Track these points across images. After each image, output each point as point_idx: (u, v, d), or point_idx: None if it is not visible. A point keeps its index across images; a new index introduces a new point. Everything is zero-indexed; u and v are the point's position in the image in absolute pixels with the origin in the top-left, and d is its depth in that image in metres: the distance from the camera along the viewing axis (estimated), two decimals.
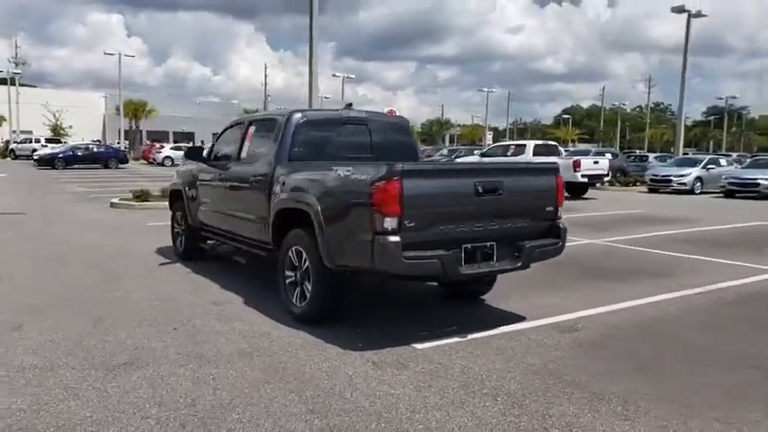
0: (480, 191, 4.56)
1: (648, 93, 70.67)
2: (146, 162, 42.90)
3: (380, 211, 4.19)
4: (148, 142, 54.76)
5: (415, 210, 4.26)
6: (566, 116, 77.73)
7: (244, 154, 6.33)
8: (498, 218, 4.74)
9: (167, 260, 7.74)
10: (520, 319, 5.32)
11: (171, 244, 8.41)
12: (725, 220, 13.31)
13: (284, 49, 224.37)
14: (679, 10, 25.72)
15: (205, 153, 7.32)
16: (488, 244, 4.69)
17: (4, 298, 5.80)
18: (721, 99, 71.55)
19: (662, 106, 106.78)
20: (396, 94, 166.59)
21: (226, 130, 7.22)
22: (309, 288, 4.98)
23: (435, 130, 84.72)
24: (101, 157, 35.16)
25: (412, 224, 4.25)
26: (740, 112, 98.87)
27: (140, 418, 3.33)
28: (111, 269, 7.21)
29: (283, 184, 5.34)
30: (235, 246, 6.62)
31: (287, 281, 5.29)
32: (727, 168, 23.37)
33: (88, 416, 3.34)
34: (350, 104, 6.32)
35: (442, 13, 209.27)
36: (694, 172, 22.13)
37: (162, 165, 38.53)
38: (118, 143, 46.60)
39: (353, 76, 60.31)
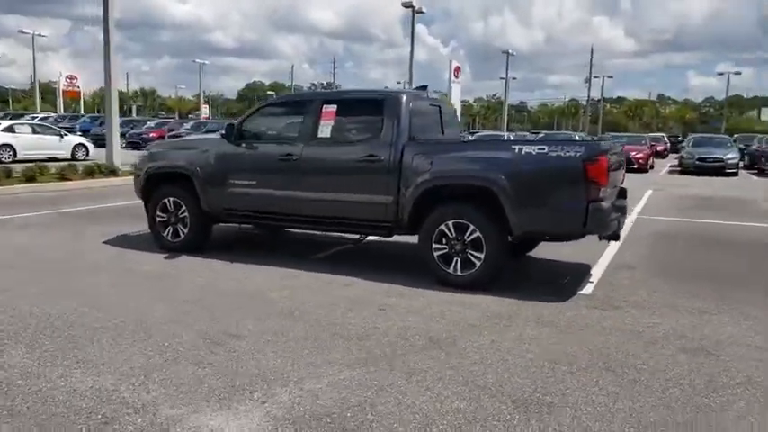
0: (622, 162, 5.79)
1: (334, 73, 76.88)
2: None
3: (596, 183, 5.09)
4: None
5: (609, 180, 5.26)
6: (270, 93, 78.78)
7: (324, 134, 6.17)
8: (616, 184, 6.03)
9: (167, 254, 6.83)
10: (588, 266, 6.68)
11: (99, 240, 7.66)
12: None
13: None
14: (407, 5, 29.43)
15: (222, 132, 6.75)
16: None
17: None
18: (399, 83, 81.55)
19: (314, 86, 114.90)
20: (47, 54, 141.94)
21: (261, 109, 6.78)
22: (481, 256, 5.48)
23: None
24: None
25: (607, 192, 5.26)
26: None
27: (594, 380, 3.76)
28: (135, 272, 6.17)
29: (431, 163, 5.64)
30: (310, 228, 6.46)
31: (436, 254, 5.66)
32: None
33: (529, 384, 3.63)
34: (425, 87, 6.68)
35: None
36: None
37: None
38: None
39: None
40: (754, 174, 24.10)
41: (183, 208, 6.89)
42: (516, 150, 5.38)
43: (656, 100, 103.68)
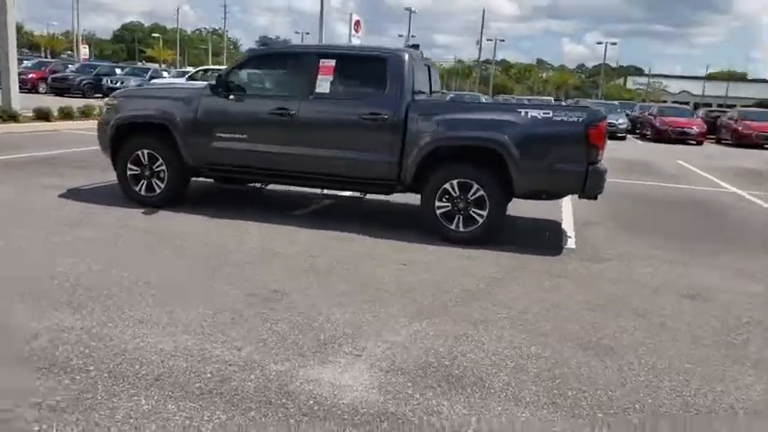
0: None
1: (225, 19, 73.06)
2: None
3: (596, 146, 5.51)
4: None
5: None
6: (155, 35, 73.17)
7: (322, 89, 6.10)
8: None
9: (144, 209, 6.50)
10: (557, 222, 7.23)
11: (51, 194, 7.23)
12: None
13: None
14: None
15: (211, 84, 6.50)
16: None
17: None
18: (297, 33, 79.12)
19: (219, 31, 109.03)
20: None
21: (251, 59, 6.55)
22: (483, 214, 5.78)
23: None
24: None
25: (601, 155, 5.71)
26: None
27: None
28: (122, 228, 5.86)
29: (437, 123, 5.80)
30: (304, 184, 6.44)
31: (439, 211, 5.89)
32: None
33: (581, 329, 4.01)
34: (417, 45, 6.70)
35: None
36: None
37: None
38: None
39: None
40: (637, 138, 26.41)
41: (160, 161, 6.56)
42: (522, 114, 5.65)
43: (535, 65, 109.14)
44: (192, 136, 6.38)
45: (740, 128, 24.11)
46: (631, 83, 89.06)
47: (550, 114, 5.60)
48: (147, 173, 6.62)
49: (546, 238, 6.45)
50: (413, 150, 5.82)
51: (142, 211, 6.44)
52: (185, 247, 5.26)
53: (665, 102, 57.28)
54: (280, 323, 3.73)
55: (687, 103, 56.86)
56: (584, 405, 2.96)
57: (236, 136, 6.31)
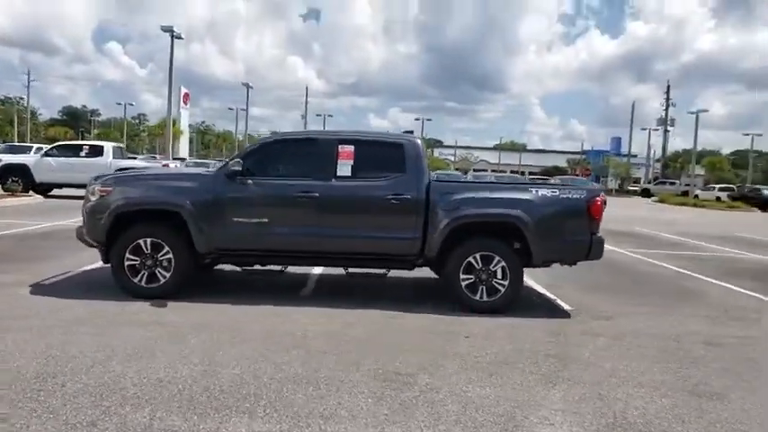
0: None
1: (28, 87, 66.53)
2: None
3: (596, 219, 6.42)
4: None
5: None
6: None
7: (344, 173, 6.33)
8: None
9: (152, 301, 6.03)
10: (530, 287, 8.02)
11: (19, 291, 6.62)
12: None
13: None
14: (166, 30, 28.18)
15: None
16: None
17: None
18: (120, 104, 73.84)
19: (13, 100, 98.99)
20: None
21: (267, 145, 6.62)
22: (505, 284, 6.34)
23: None
24: None
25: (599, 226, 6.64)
26: (92, 114, 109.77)
27: None
28: (165, 324, 5.43)
29: (459, 202, 6.32)
30: (325, 264, 6.53)
31: (464, 283, 6.35)
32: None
33: (670, 379, 4.69)
34: (412, 131, 7.19)
35: None
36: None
37: None
38: None
39: None
40: None
41: (166, 249, 6.20)
42: (534, 192, 6.40)
43: None
44: (206, 222, 6.16)
45: None
46: (437, 153, 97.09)
47: (557, 192, 6.41)
48: (148, 263, 6.19)
49: (540, 302, 7.14)
50: (437, 227, 6.23)
51: (149, 303, 5.99)
52: (254, 338, 5.05)
53: (469, 170, 63.83)
54: (447, 405, 3.86)
55: (486, 170, 63.91)
56: None
57: (256, 220, 6.23)
